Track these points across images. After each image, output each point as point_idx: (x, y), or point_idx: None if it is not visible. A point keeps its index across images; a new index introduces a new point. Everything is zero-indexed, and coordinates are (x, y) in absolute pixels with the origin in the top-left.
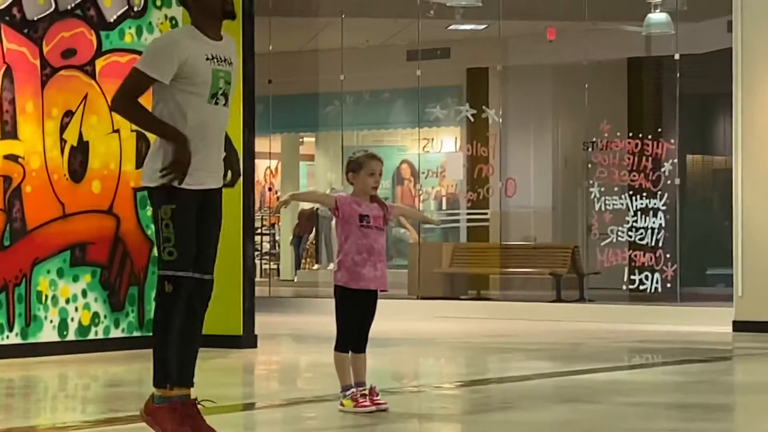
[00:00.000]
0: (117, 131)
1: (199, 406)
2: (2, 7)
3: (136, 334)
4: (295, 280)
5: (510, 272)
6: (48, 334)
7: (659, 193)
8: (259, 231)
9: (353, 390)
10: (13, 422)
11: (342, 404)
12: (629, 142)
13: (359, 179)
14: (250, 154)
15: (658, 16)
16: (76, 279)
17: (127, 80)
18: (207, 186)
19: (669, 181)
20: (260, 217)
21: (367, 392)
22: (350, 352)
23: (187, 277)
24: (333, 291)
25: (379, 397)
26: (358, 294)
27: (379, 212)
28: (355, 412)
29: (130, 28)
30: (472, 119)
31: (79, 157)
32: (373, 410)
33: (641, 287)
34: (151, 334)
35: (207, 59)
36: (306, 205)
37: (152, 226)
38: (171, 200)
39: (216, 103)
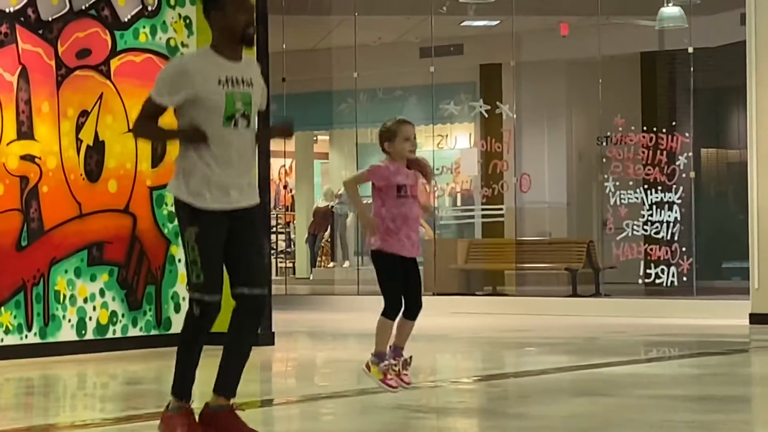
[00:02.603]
0: None
1: (237, 411)
2: (17, 7)
3: (153, 332)
4: (311, 278)
5: (525, 268)
6: (66, 333)
7: (674, 186)
8: (274, 229)
9: (387, 362)
10: (33, 420)
11: (368, 368)
12: (643, 136)
13: (395, 146)
14: (264, 153)
15: (671, 10)
16: (93, 278)
17: (142, 106)
18: (233, 206)
19: (684, 175)
20: (275, 215)
21: (399, 367)
22: (400, 317)
23: (213, 301)
24: (371, 258)
25: (407, 372)
26: (394, 258)
27: (415, 180)
28: (378, 385)
29: (144, 27)
30: (486, 115)
31: (95, 157)
32: (396, 391)
33: (657, 281)
34: (168, 332)
35: (219, 83)
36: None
37: (169, 225)
38: (194, 222)
39: (235, 126)
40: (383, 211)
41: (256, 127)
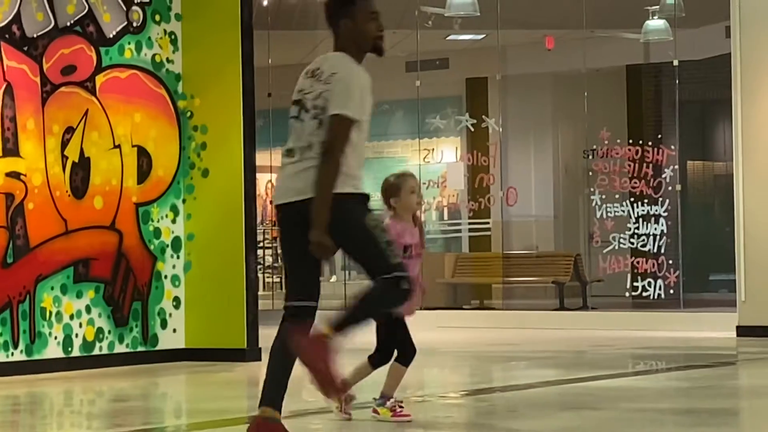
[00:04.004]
0: (118, 147)
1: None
2: (1, 24)
3: (140, 349)
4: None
5: (513, 281)
6: (53, 350)
7: (660, 199)
8: (261, 244)
9: (393, 400)
10: None
11: (376, 412)
12: (629, 149)
13: (401, 201)
14: (251, 168)
15: (656, 23)
16: (79, 295)
17: (340, 130)
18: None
19: (670, 188)
20: (262, 230)
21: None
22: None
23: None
24: None
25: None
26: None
27: (418, 238)
28: (389, 421)
29: (129, 43)
30: (472, 129)
31: (80, 174)
32: (410, 419)
33: (644, 294)
34: (155, 348)
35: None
36: None
37: (155, 241)
38: (369, 209)
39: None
40: None
41: None
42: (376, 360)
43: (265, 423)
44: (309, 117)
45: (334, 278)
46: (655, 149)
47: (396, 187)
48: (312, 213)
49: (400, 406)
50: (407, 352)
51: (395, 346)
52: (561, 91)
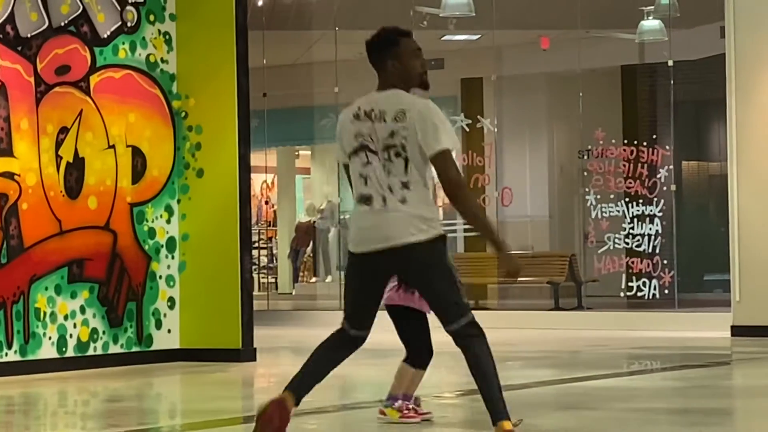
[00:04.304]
0: (113, 147)
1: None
2: None
3: (135, 349)
4: (293, 294)
5: (508, 281)
6: (47, 350)
7: (655, 199)
8: (256, 245)
9: (401, 402)
10: None
11: (383, 413)
12: (624, 149)
13: None
14: (245, 168)
15: (651, 23)
16: (74, 295)
17: (452, 163)
18: None
19: (665, 188)
20: (257, 231)
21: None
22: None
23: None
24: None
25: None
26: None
27: None
28: (396, 422)
29: (123, 43)
30: (467, 129)
31: (74, 174)
32: (418, 421)
33: (639, 294)
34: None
35: None
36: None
37: (149, 241)
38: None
39: None
40: None
41: None
42: (411, 362)
43: (281, 404)
44: (381, 159)
45: (329, 278)
46: (650, 149)
47: None
48: (491, 244)
49: (414, 408)
50: (420, 355)
51: (419, 345)
52: (556, 92)
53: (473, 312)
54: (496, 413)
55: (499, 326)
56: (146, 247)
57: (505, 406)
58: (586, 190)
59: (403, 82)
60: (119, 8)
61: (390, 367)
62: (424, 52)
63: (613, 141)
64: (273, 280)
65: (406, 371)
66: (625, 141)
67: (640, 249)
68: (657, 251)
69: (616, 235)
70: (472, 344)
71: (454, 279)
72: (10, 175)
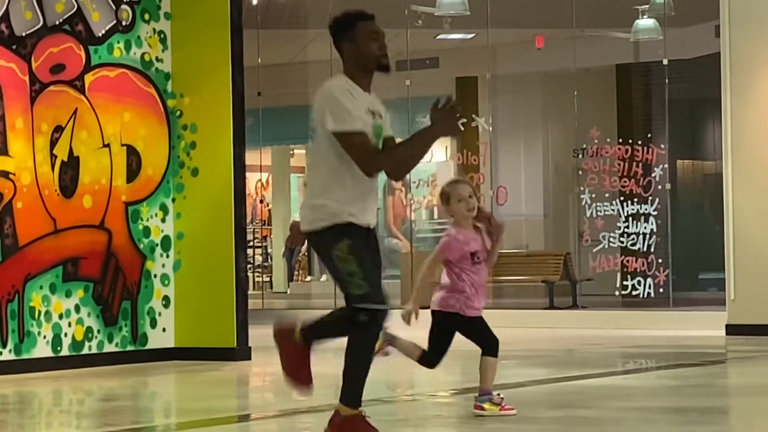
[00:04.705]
0: (107, 146)
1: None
2: None
3: (129, 348)
4: (288, 292)
5: (502, 280)
6: (42, 349)
7: (650, 198)
8: (251, 244)
9: (494, 395)
10: None
11: (483, 408)
12: (619, 148)
13: (452, 209)
14: (240, 167)
15: (645, 22)
16: (68, 294)
17: (355, 146)
18: (370, 225)
19: (660, 186)
20: (252, 229)
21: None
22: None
23: (380, 309)
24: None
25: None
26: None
27: (482, 244)
28: (497, 415)
29: (118, 42)
30: (462, 128)
31: (69, 172)
32: (515, 413)
33: (634, 293)
34: (144, 347)
35: (366, 113)
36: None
37: (144, 240)
38: (344, 237)
39: None
40: (462, 279)
41: None
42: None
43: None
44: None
45: (324, 277)
46: (645, 148)
47: (446, 195)
48: (427, 133)
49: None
50: (490, 344)
51: (443, 348)
52: (551, 90)
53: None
54: (344, 395)
55: (493, 325)
56: (141, 246)
57: (358, 398)
58: (581, 188)
59: (359, 65)
60: (114, 7)
61: (388, 365)
62: (419, 52)
63: (608, 140)
64: (268, 279)
65: (490, 363)
66: (620, 140)
67: (635, 248)
68: (652, 250)
69: (611, 234)
70: (353, 330)
71: (338, 270)
72: (5, 174)
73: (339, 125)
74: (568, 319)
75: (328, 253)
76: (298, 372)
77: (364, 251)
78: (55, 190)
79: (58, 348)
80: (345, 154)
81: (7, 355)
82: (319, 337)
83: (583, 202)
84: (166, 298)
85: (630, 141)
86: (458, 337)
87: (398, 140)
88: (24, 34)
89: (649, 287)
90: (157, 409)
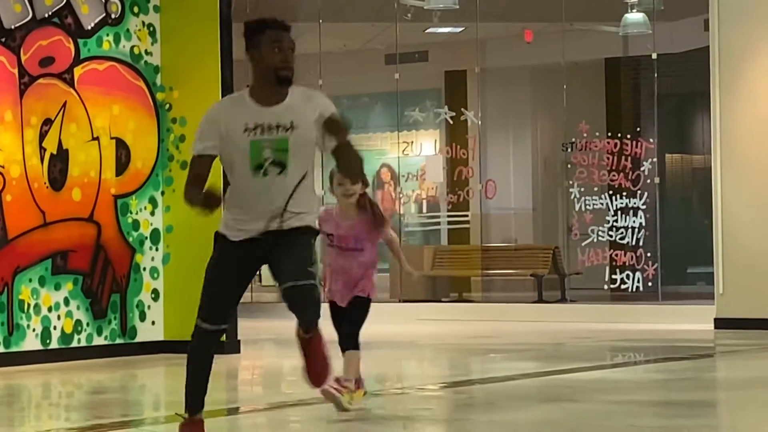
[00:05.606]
0: (96, 139)
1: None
2: None
3: (119, 341)
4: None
5: (491, 274)
6: (31, 342)
7: (639, 192)
8: None
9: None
10: None
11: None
12: (608, 142)
13: (334, 191)
14: None
15: (634, 16)
16: (58, 287)
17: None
18: (258, 233)
19: (648, 180)
20: None
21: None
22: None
23: (207, 329)
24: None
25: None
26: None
27: (349, 230)
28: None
29: (107, 35)
30: (451, 122)
31: (59, 165)
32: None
33: (622, 286)
34: (133, 341)
35: (246, 131)
36: None
37: (134, 233)
38: (214, 250)
39: (265, 174)
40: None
41: (309, 166)
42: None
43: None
44: None
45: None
46: (634, 142)
47: (331, 178)
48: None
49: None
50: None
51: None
52: (540, 84)
53: (460, 303)
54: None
55: (482, 319)
56: (130, 239)
57: (189, 404)
58: (570, 182)
59: (258, 74)
60: (103, 0)
61: (376, 359)
62: (408, 46)
63: (597, 134)
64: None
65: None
66: (609, 134)
67: (624, 242)
68: (640, 244)
69: (600, 228)
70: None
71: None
72: None
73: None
74: (557, 312)
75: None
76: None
77: (221, 267)
78: (45, 183)
79: (48, 341)
80: (225, 160)
81: None
82: None
83: (572, 196)
84: (155, 292)
85: (619, 135)
86: (450, 330)
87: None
88: (13, 27)
89: (638, 281)
90: (146, 402)
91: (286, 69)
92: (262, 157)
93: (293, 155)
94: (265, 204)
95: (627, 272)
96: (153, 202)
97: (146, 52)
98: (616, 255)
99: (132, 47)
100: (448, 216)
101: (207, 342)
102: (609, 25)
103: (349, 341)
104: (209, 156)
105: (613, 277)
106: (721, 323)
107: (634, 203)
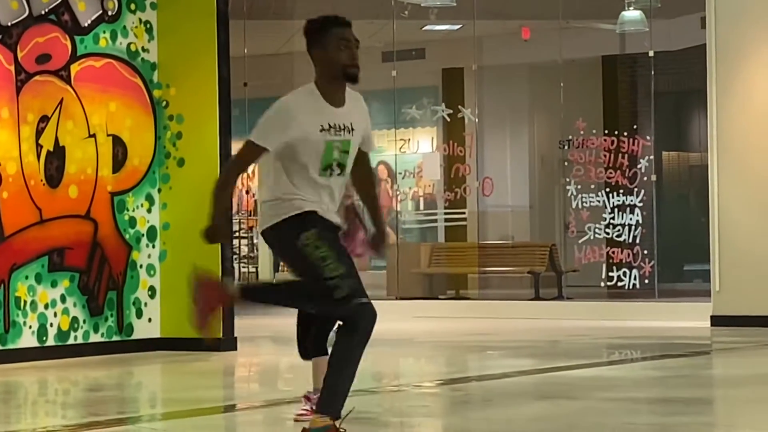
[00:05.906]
0: (93, 136)
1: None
2: None
3: (115, 338)
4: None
5: (488, 271)
6: (27, 339)
7: (636, 189)
8: (237, 234)
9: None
10: None
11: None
12: (605, 140)
13: None
14: (226, 158)
15: (631, 14)
16: (54, 284)
17: (240, 150)
18: (334, 221)
19: (645, 178)
20: (238, 220)
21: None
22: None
23: (365, 302)
24: None
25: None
26: None
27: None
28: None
29: (104, 32)
30: (448, 119)
31: (55, 162)
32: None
33: (619, 284)
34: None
35: (321, 130)
36: None
37: (130, 230)
38: (309, 226)
39: (330, 175)
40: None
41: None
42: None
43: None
44: None
45: None
46: (631, 140)
47: None
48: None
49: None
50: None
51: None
52: (537, 82)
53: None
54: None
55: (479, 316)
56: (127, 236)
57: (342, 404)
58: (567, 180)
59: (324, 73)
60: None
61: (373, 356)
62: (405, 43)
63: (594, 131)
64: (254, 270)
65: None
66: (606, 131)
67: (621, 239)
68: (637, 241)
69: (597, 225)
70: (347, 325)
71: (306, 258)
72: None
73: (252, 134)
74: (554, 310)
75: (292, 243)
76: (206, 311)
77: (334, 241)
78: (41, 180)
79: (44, 338)
80: (293, 158)
81: None
82: (261, 300)
83: (569, 194)
84: (152, 289)
85: (616, 132)
86: (447, 328)
87: (372, 156)
88: (10, 24)
89: (635, 278)
90: (142, 400)
91: (354, 66)
92: (333, 157)
93: (350, 157)
94: (328, 202)
95: (624, 269)
96: (150, 199)
97: (143, 49)
98: (613, 252)
99: (129, 44)
100: (445, 213)
101: (375, 317)
102: (606, 22)
103: (322, 346)
104: (266, 150)
105: (610, 274)
106: (717, 320)
107: (631, 201)
